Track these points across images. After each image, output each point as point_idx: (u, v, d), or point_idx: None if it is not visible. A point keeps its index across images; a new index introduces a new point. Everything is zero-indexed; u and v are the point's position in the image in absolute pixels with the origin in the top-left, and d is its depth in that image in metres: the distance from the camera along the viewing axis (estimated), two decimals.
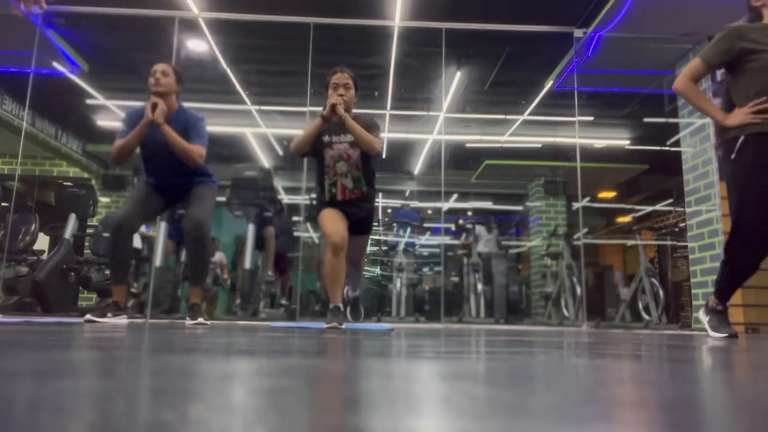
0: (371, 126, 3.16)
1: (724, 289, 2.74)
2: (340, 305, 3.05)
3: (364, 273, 3.47)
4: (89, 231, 6.16)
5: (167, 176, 3.27)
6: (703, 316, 2.84)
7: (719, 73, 2.94)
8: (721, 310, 2.76)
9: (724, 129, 2.67)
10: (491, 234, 7.75)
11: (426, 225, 9.56)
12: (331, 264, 3.03)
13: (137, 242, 5.78)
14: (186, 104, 3.30)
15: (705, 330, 2.83)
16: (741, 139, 2.55)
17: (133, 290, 5.34)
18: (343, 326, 2.99)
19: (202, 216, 3.16)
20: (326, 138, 3.15)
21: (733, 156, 2.60)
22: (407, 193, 9.61)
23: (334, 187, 3.18)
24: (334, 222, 3.10)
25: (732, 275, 2.69)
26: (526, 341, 1.99)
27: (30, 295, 5.32)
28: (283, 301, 6.38)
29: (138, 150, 3.26)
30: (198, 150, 3.14)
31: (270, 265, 6.33)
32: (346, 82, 3.17)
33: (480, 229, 7.87)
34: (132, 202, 3.20)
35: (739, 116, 2.56)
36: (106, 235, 5.74)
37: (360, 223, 3.25)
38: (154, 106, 3.05)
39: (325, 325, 2.98)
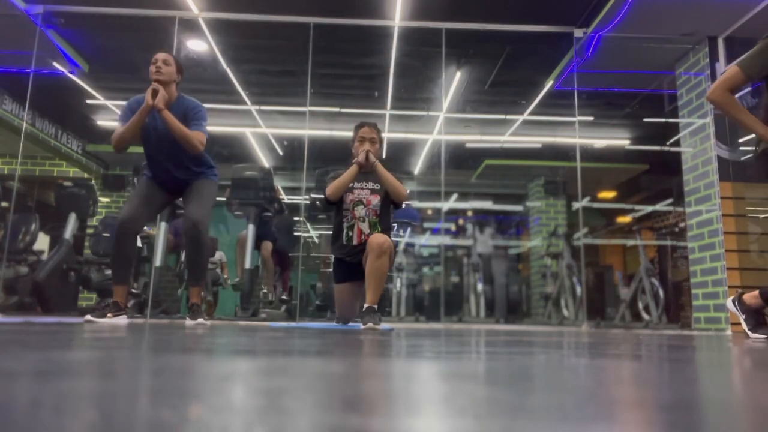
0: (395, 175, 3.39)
1: None
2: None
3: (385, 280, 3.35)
4: (89, 231, 6.16)
5: (168, 170, 3.26)
6: (733, 307, 2.80)
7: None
8: (761, 311, 2.73)
9: (761, 142, 2.60)
10: (485, 234, 7.77)
11: (426, 225, 9.57)
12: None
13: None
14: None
15: (708, 329, 2.82)
16: None
17: (133, 290, 5.33)
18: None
19: (198, 215, 3.18)
20: None
21: None
22: (407, 193, 9.61)
23: (351, 231, 3.29)
24: (342, 303, 3.38)
25: None
26: (526, 341, 1.99)
27: (30, 295, 5.32)
28: (284, 297, 6.35)
29: (142, 149, 3.28)
30: (198, 136, 3.15)
31: (269, 286, 6.21)
32: (372, 137, 3.38)
33: (477, 230, 7.90)
34: (135, 201, 3.20)
35: None
36: (106, 235, 5.74)
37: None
38: (155, 93, 3.05)
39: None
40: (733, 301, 2.84)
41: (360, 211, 3.29)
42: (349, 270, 3.29)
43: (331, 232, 3.53)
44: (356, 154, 3.34)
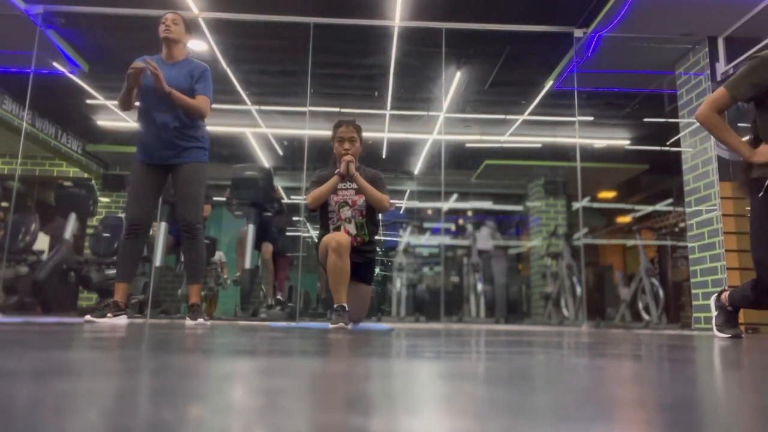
0: (377, 180, 3.31)
1: (740, 301, 2.73)
2: (345, 305, 3.01)
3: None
4: (89, 231, 6.16)
5: (161, 126, 3.20)
6: (713, 305, 2.84)
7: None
8: (731, 311, 2.78)
9: (749, 166, 2.49)
10: (485, 231, 7.78)
11: (426, 225, 9.57)
12: (334, 263, 3.01)
13: None
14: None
15: (708, 328, 2.85)
16: (767, 182, 2.36)
17: (131, 294, 5.32)
18: (350, 326, 2.98)
19: (192, 217, 3.23)
20: None
21: (760, 195, 2.43)
22: (407, 193, 9.62)
23: (337, 232, 3.24)
24: (332, 235, 3.17)
25: (756, 303, 2.63)
26: (526, 341, 1.99)
27: (30, 295, 5.32)
28: (279, 297, 6.31)
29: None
30: (203, 102, 3.23)
31: (269, 291, 6.14)
32: (351, 136, 3.34)
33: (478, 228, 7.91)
34: (136, 196, 3.21)
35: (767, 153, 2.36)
36: (106, 234, 5.74)
37: (359, 269, 3.26)
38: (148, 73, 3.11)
39: (330, 326, 2.95)
40: (717, 296, 2.87)
41: (346, 212, 3.28)
42: None
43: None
44: (336, 155, 3.36)
